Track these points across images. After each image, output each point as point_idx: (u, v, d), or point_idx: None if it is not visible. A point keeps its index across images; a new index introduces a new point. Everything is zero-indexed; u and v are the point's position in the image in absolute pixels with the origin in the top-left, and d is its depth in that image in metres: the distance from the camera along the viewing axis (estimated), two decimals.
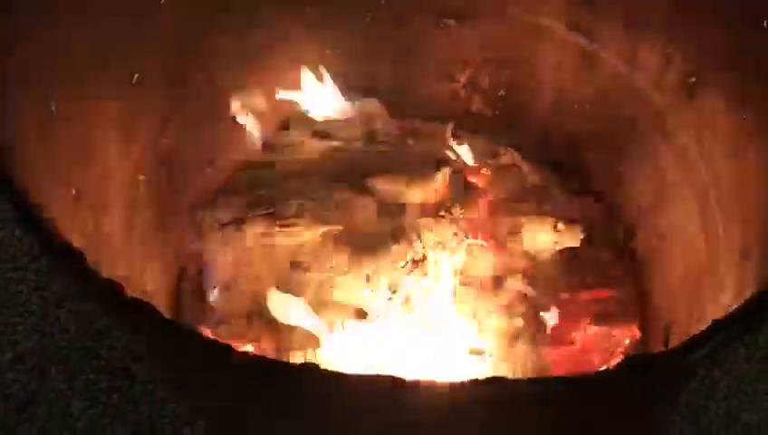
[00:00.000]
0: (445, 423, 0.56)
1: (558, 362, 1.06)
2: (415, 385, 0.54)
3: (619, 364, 0.53)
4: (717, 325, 0.56)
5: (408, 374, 0.54)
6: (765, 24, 0.84)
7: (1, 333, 1.20)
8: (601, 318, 1.11)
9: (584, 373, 0.52)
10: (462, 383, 0.54)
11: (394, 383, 0.53)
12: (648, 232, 1.15)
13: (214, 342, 0.52)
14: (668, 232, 1.10)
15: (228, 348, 0.54)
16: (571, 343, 1.08)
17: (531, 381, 0.53)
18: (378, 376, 0.54)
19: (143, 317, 0.56)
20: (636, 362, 0.52)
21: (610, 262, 1.17)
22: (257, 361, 0.55)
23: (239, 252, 1.03)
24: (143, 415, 1.14)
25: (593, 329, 1.09)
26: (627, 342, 1.09)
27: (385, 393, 0.54)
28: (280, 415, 0.60)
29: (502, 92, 1.27)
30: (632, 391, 0.55)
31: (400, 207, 1.05)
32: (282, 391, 0.56)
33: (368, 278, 0.99)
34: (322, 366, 0.55)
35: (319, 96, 1.16)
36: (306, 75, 1.15)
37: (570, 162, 1.26)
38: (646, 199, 1.15)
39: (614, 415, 0.61)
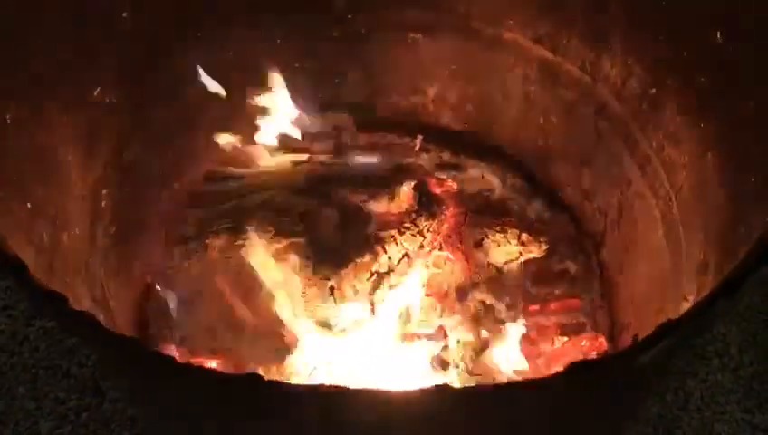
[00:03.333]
0: (389, 431, 0.55)
1: (525, 372, 1.05)
2: (358, 394, 0.53)
3: (563, 369, 0.53)
4: (663, 330, 0.55)
5: (371, 386, 0.53)
6: (719, 35, 0.85)
7: None
8: (570, 329, 1.11)
9: (529, 379, 0.52)
10: (408, 392, 0.54)
11: (337, 393, 0.53)
12: (615, 243, 1.16)
13: (152, 352, 0.52)
14: (634, 243, 1.10)
15: (171, 360, 0.54)
16: (539, 353, 1.07)
17: (476, 387, 0.53)
18: (320, 386, 0.53)
19: (86, 329, 0.56)
20: (579, 368, 0.52)
21: (579, 274, 1.17)
22: (204, 373, 0.55)
23: (203, 265, 1.03)
24: (113, 434, 1.12)
25: (562, 340, 1.09)
26: (594, 353, 1.08)
27: (329, 403, 0.54)
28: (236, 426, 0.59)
29: (469, 106, 1.28)
30: (578, 394, 0.55)
31: (366, 219, 1.04)
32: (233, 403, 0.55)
33: (332, 291, 0.99)
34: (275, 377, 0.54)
35: (286, 110, 1.16)
36: (273, 89, 1.16)
37: (538, 175, 1.26)
38: (612, 211, 1.15)
39: (563, 418, 0.60)
